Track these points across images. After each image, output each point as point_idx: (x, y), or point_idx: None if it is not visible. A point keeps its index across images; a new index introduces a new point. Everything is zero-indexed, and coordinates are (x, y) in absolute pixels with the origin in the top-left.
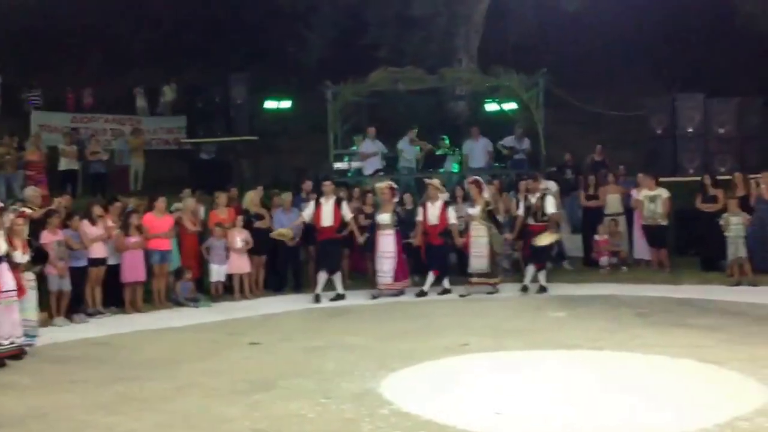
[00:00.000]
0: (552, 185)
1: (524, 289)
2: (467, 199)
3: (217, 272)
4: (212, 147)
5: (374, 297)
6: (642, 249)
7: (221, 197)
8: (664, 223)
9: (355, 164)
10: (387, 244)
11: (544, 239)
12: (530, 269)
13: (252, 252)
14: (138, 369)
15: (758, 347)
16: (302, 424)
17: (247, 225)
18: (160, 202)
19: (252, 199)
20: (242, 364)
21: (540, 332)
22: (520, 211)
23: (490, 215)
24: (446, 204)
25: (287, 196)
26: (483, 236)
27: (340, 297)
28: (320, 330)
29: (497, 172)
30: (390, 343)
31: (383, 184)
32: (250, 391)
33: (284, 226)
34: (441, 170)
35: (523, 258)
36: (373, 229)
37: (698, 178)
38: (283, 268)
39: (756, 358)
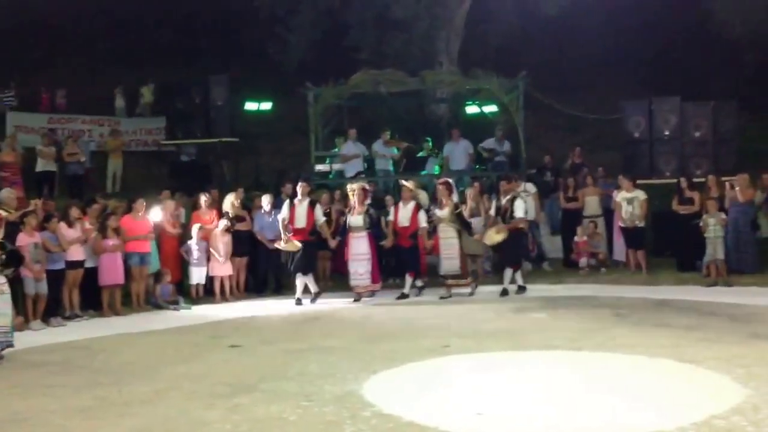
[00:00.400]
0: (531, 187)
1: (504, 292)
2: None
3: (197, 275)
4: (192, 149)
5: (356, 300)
6: (621, 250)
7: (203, 199)
8: (641, 224)
9: (336, 166)
10: (360, 246)
11: (493, 237)
12: (507, 272)
13: (233, 254)
14: (117, 373)
15: (734, 346)
16: (283, 426)
17: (229, 227)
18: (139, 204)
19: (232, 201)
20: (223, 367)
21: (521, 333)
22: (492, 212)
23: (459, 217)
24: (418, 206)
25: (268, 198)
26: (452, 238)
27: (317, 295)
28: (301, 332)
29: (478, 174)
30: (371, 345)
31: (356, 186)
32: (230, 395)
33: (264, 229)
34: (423, 172)
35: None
36: (344, 231)
37: (675, 181)
38: (264, 270)
39: (732, 357)
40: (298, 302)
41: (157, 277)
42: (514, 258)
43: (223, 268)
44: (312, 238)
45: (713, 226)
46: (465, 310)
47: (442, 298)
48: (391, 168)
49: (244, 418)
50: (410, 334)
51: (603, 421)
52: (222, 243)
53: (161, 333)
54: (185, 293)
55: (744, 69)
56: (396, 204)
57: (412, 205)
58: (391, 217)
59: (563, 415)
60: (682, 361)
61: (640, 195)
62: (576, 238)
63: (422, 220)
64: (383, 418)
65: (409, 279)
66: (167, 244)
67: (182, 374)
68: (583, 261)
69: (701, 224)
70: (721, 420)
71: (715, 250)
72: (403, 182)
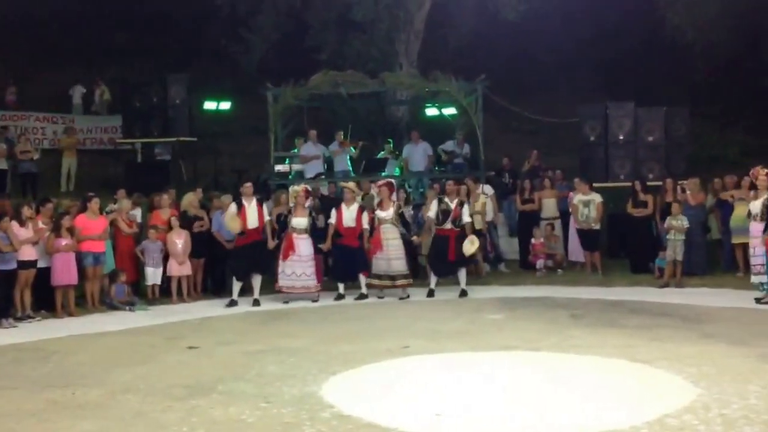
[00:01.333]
0: (489, 189)
1: (463, 293)
2: (408, 202)
3: (153, 275)
4: (168, 148)
5: (314, 301)
6: (577, 252)
7: (164, 198)
8: (597, 227)
9: (296, 167)
10: (304, 247)
11: (471, 248)
12: (462, 273)
13: (191, 254)
14: (70, 375)
15: (685, 347)
16: (242, 428)
17: (187, 227)
18: (94, 203)
19: (191, 201)
20: (180, 369)
21: (479, 334)
22: (432, 214)
23: (401, 218)
24: (362, 208)
25: (227, 198)
26: (396, 238)
27: (256, 303)
28: (260, 333)
29: (437, 176)
30: (331, 346)
31: (299, 188)
32: (187, 396)
33: (223, 229)
34: (383, 173)
35: (431, 262)
36: (281, 230)
37: (629, 184)
38: (222, 271)
39: (683, 357)
40: (256, 303)
41: (112, 277)
42: (466, 259)
43: (181, 268)
44: (264, 238)
45: (674, 229)
46: (423, 311)
47: (379, 297)
48: (350, 169)
49: (201, 420)
50: (369, 335)
51: (558, 420)
52: (178, 240)
53: (116, 334)
54: (141, 294)
55: (696, 76)
56: (339, 206)
57: (355, 206)
58: (332, 220)
59: (521, 415)
60: (635, 361)
61: (596, 198)
62: (533, 240)
63: (365, 220)
64: (342, 420)
65: (363, 279)
66: (123, 243)
67: (138, 376)
68: (539, 263)
69: (666, 225)
70: (673, 419)
71: (674, 251)
72: (344, 184)
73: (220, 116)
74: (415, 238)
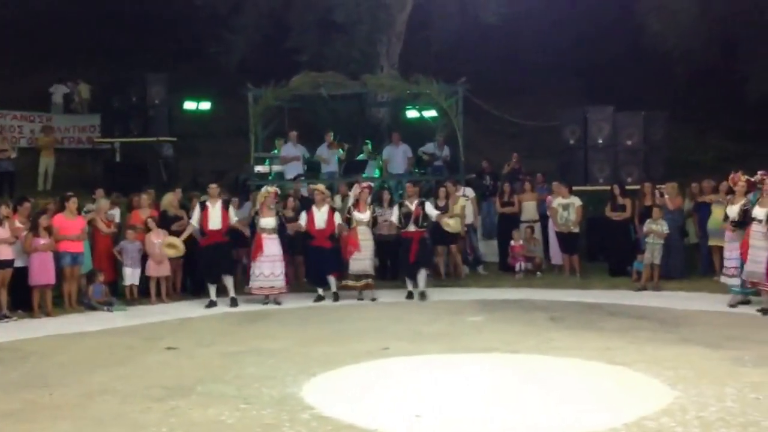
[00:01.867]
0: (470, 192)
1: (422, 296)
2: (392, 203)
3: (131, 275)
4: (170, 148)
5: (278, 303)
6: (556, 255)
7: (143, 198)
8: (576, 230)
9: (276, 168)
10: (273, 247)
11: (451, 222)
12: (422, 273)
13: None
14: (48, 375)
15: (663, 349)
16: (221, 430)
17: (166, 227)
18: (72, 203)
19: (170, 200)
20: (159, 370)
21: (458, 336)
22: (394, 218)
23: (375, 221)
24: (333, 209)
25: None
26: (370, 240)
27: (234, 302)
28: (239, 335)
29: (416, 178)
30: (310, 348)
31: (270, 189)
32: (166, 397)
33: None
34: (363, 175)
35: (401, 266)
36: (252, 233)
37: (607, 188)
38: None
39: (660, 359)
40: (212, 304)
41: (90, 277)
42: (428, 261)
43: (159, 268)
44: (227, 239)
45: (653, 233)
46: (402, 313)
47: (358, 299)
48: (337, 170)
49: (180, 421)
50: (349, 337)
51: (537, 422)
52: (157, 243)
53: (94, 335)
54: (119, 294)
55: (674, 81)
56: (310, 208)
57: (326, 207)
58: (303, 222)
59: (500, 416)
60: (613, 363)
61: (576, 201)
62: (513, 242)
63: (337, 221)
64: (322, 421)
65: (333, 280)
66: (101, 243)
67: (116, 377)
68: (519, 265)
69: (645, 229)
70: (651, 421)
71: (653, 254)
72: (314, 186)
73: (200, 116)
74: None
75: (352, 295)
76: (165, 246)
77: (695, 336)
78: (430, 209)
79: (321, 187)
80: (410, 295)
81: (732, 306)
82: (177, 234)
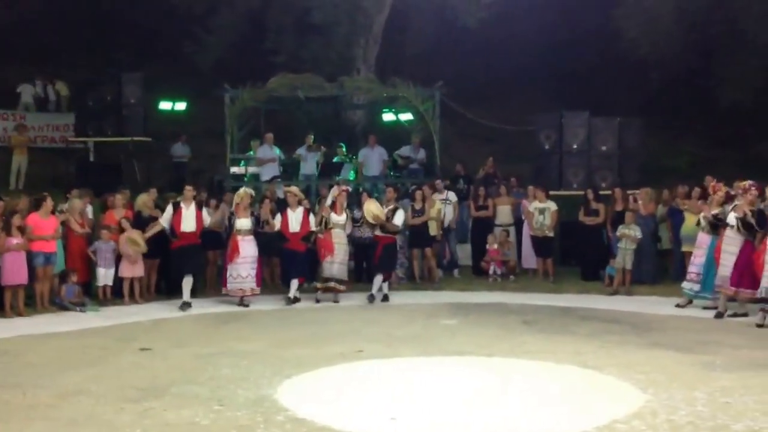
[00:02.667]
0: (453, 196)
1: (371, 298)
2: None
3: (104, 276)
4: (185, 148)
5: (245, 305)
6: (529, 259)
7: (118, 198)
8: (551, 234)
9: (251, 169)
10: (248, 249)
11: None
12: (378, 278)
13: (144, 255)
14: (21, 375)
15: (633, 353)
16: (195, 431)
17: (141, 227)
18: (48, 203)
19: (145, 201)
20: (132, 371)
21: (433, 339)
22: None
23: (353, 223)
24: (308, 211)
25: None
26: (345, 243)
27: (186, 305)
28: (213, 336)
29: (392, 181)
30: (285, 350)
31: (243, 191)
32: (140, 398)
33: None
34: (338, 177)
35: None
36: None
37: (581, 193)
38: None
39: (631, 363)
40: (185, 306)
41: (63, 277)
42: (387, 266)
43: (133, 269)
44: (199, 241)
45: (626, 238)
46: (377, 316)
47: (317, 301)
48: (316, 173)
49: (154, 422)
50: (323, 339)
51: (510, 425)
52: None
53: (67, 335)
54: (92, 295)
55: (649, 87)
56: (284, 210)
57: (300, 209)
58: (276, 222)
59: (474, 419)
60: (585, 367)
61: (552, 206)
62: (487, 246)
63: (312, 223)
64: (297, 423)
65: (295, 284)
66: (74, 243)
67: (90, 378)
68: (493, 269)
69: (618, 234)
70: (623, 424)
71: (624, 259)
72: (287, 188)
73: (175, 117)
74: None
75: (328, 297)
76: (128, 242)
77: (666, 340)
78: (399, 218)
79: (294, 189)
80: (386, 298)
81: (681, 306)
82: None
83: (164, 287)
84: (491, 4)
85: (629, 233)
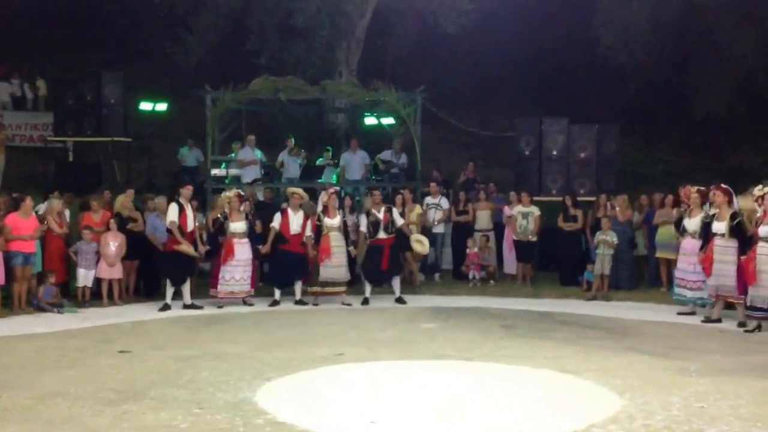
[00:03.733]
0: (445, 202)
1: (399, 300)
2: (353, 210)
3: (84, 277)
4: (198, 152)
5: (249, 305)
6: (508, 264)
7: (98, 200)
8: (534, 239)
9: (232, 171)
10: (243, 252)
11: (421, 247)
12: (396, 281)
13: (124, 257)
14: None
15: (611, 358)
16: None
17: (121, 229)
18: (28, 203)
19: (123, 202)
20: (111, 373)
21: (413, 343)
22: (363, 228)
23: (345, 226)
24: (307, 215)
25: (162, 200)
26: (343, 246)
27: (193, 306)
28: (193, 338)
29: (374, 185)
30: (265, 353)
31: (231, 192)
32: (118, 401)
33: (157, 231)
34: (320, 180)
35: (366, 271)
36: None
37: (560, 199)
38: (156, 273)
39: (609, 368)
40: (165, 307)
41: (41, 278)
42: (400, 266)
43: (111, 271)
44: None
45: (604, 244)
46: (358, 320)
47: (314, 305)
48: (298, 176)
49: (132, 425)
50: (304, 342)
51: (488, 428)
52: (113, 241)
53: (44, 336)
54: (70, 296)
55: (626, 96)
56: (285, 211)
57: (301, 212)
58: (275, 224)
59: (452, 423)
60: (563, 371)
61: (535, 211)
62: (467, 251)
63: (310, 227)
64: (276, 426)
65: (300, 285)
66: (53, 244)
67: (67, 380)
68: (473, 273)
69: (596, 240)
70: (599, 429)
71: (602, 265)
72: (293, 190)
73: (156, 117)
74: (351, 249)
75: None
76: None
77: (643, 345)
78: (397, 216)
79: (299, 191)
80: (366, 301)
81: (682, 314)
82: (131, 233)
83: (143, 289)
84: (471, 11)
85: (607, 239)
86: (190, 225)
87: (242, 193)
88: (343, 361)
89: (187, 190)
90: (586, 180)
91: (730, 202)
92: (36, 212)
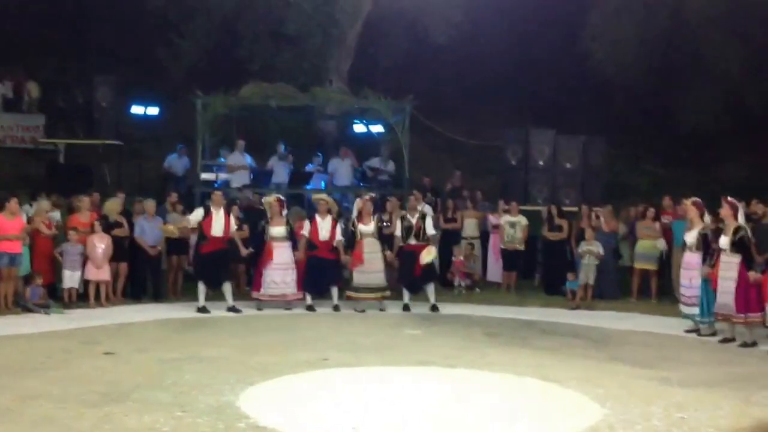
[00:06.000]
0: (429, 209)
1: (434, 308)
2: (341, 215)
3: (70, 278)
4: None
5: (287, 309)
6: (494, 272)
7: (84, 201)
8: (522, 248)
9: (222, 176)
10: (284, 255)
11: (428, 257)
12: (430, 287)
13: (111, 259)
14: None
15: (593, 368)
16: None
17: (107, 232)
18: (13, 203)
19: (112, 207)
20: (94, 375)
21: (397, 349)
22: (398, 232)
23: (380, 232)
24: (335, 220)
25: (151, 203)
26: (378, 252)
27: (233, 309)
28: (178, 341)
29: (361, 192)
30: (249, 356)
31: (271, 198)
32: (101, 403)
33: (145, 234)
34: (308, 186)
35: (402, 277)
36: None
37: (545, 208)
38: (143, 276)
39: (591, 377)
40: (203, 310)
41: (28, 279)
42: (434, 273)
43: (99, 273)
44: (228, 246)
45: (588, 253)
46: (342, 324)
47: (357, 310)
48: (287, 181)
49: (114, 427)
50: (289, 346)
51: None
52: (99, 243)
53: (30, 337)
54: (57, 297)
55: (613, 108)
56: (313, 217)
57: (329, 218)
58: (305, 232)
59: (435, 430)
60: (546, 380)
61: (523, 220)
62: (453, 258)
63: (339, 232)
64: (258, 431)
65: (335, 291)
66: (40, 245)
67: (51, 381)
68: (458, 280)
69: (580, 250)
70: None
71: (587, 275)
72: (318, 196)
73: (147, 121)
74: (388, 253)
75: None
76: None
77: (625, 355)
78: (429, 225)
79: (325, 196)
80: (406, 308)
81: (699, 334)
82: (117, 239)
83: (130, 291)
84: (461, 23)
85: (592, 249)
86: (217, 230)
87: (282, 198)
88: (327, 366)
89: (216, 196)
90: (571, 191)
91: (735, 216)
92: (26, 213)
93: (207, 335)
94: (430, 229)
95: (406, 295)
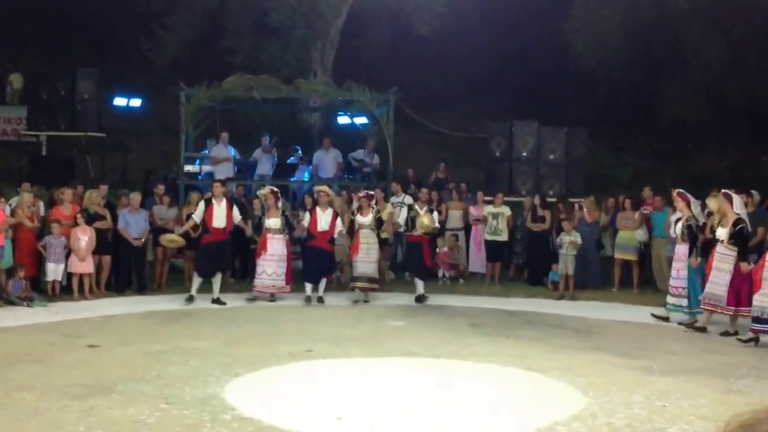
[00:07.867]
0: (408, 199)
1: (422, 298)
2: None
3: (54, 271)
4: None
5: (271, 301)
6: (477, 263)
7: (66, 193)
8: (505, 239)
9: (206, 168)
10: (277, 247)
11: (429, 219)
12: (419, 282)
13: (94, 251)
14: None
15: (576, 357)
16: (140, 429)
17: (89, 224)
18: None
19: (92, 198)
20: (79, 368)
21: (381, 340)
22: (401, 220)
23: (378, 223)
24: (336, 213)
25: (135, 196)
26: (374, 243)
27: (217, 302)
28: (163, 333)
29: (345, 184)
30: (234, 348)
31: (266, 190)
32: (85, 396)
33: (129, 226)
34: (292, 179)
35: (413, 269)
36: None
37: (528, 198)
38: (127, 268)
39: (574, 367)
40: (189, 299)
41: (11, 272)
42: (423, 269)
43: (83, 265)
44: (229, 238)
45: (568, 244)
46: (327, 316)
47: (355, 302)
48: (270, 174)
49: (99, 420)
50: (273, 338)
51: (455, 425)
52: (82, 236)
53: (13, 330)
54: (40, 290)
55: (596, 100)
56: (313, 208)
57: (330, 210)
58: (305, 222)
59: (418, 420)
60: (529, 369)
61: (506, 211)
62: (437, 249)
63: (339, 224)
64: (244, 422)
65: (324, 282)
66: (23, 238)
67: (35, 374)
68: (442, 272)
69: (558, 241)
70: (563, 426)
71: (566, 265)
72: (320, 188)
73: (130, 113)
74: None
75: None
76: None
77: (607, 345)
78: (435, 217)
79: (326, 188)
80: (420, 299)
81: (689, 326)
82: (100, 231)
83: (114, 284)
84: (444, 14)
85: (572, 239)
86: (219, 222)
87: (276, 190)
88: (311, 357)
89: (217, 188)
90: (555, 182)
91: (688, 206)
92: (9, 206)
93: (191, 327)
94: (434, 222)
95: (420, 285)
